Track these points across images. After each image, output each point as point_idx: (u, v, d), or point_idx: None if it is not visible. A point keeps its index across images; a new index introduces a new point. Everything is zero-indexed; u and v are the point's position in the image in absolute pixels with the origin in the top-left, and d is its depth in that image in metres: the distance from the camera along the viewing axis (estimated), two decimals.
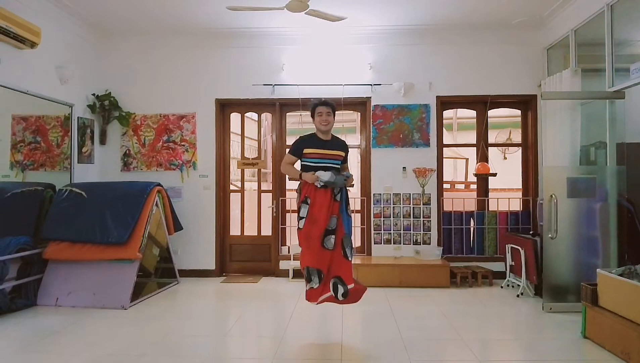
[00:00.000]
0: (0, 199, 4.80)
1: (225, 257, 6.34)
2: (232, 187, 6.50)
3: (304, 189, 3.67)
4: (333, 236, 3.58)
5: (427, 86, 6.03)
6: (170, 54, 6.21)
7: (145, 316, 4.45)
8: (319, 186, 3.59)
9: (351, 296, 3.59)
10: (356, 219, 6.23)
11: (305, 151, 3.68)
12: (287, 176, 6.18)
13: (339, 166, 3.77)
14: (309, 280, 3.57)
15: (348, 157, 3.93)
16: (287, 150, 3.88)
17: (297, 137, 3.85)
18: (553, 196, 4.47)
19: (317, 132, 3.76)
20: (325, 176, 3.56)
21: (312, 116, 3.75)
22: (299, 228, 3.65)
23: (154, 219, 5.24)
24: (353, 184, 3.79)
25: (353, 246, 3.73)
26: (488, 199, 6.16)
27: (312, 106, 3.74)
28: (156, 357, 3.41)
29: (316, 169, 3.63)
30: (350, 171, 3.92)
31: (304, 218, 3.60)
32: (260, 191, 6.45)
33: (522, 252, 5.10)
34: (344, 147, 3.84)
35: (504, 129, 7.33)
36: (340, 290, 3.56)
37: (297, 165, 3.86)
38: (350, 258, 3.63)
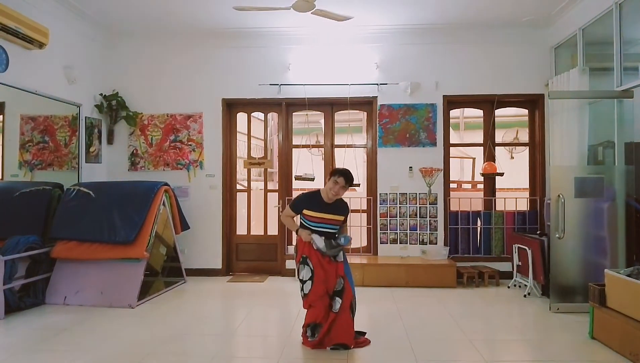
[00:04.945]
0: (9, 198, 4.85)
1: (231, 256, 6.36)
2: (238, 186, 6.53)
3: (301, 248, 3.63)
4: (339, 299, 3.51)
5: (433, 85, 6.01)
6: (177, 54, 6.24)
7: (152, 315, 4.48)
8: (314, 247, 3.56)
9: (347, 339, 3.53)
10: (362, 218, 6.25)
11: (305, 212, 3.62)
12: (292, 176, 6.21)
13: (335, 231, 3.66)
14: (312, 335, 3.55)
15: (349, 208, 3.83)
16: (288, 204, 3.78)
17: (300, 194, 3.81)
18: (560, 195, 4.44)
19: (322, 193, 3.64)
20: (319, 242, 3.53)
21: (330, 176, 3.63)
22: (304, 294, 3.54)
23: (161, 218, 5.27)
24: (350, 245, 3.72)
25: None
26: (495, 199, 6.13)
27: (335, 172, 3.63)
28: (163, 355, 3.43)
29: (313, 231, 3.59)
30: (349, 234, 3.79)
31: (307, 280, 3.53)
32: (266, 191, 6.46)
33: (529, 252, 5.07)
34: (344, 210, 3.72)
35: (511, 129, 7.31)
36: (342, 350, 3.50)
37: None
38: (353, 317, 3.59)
